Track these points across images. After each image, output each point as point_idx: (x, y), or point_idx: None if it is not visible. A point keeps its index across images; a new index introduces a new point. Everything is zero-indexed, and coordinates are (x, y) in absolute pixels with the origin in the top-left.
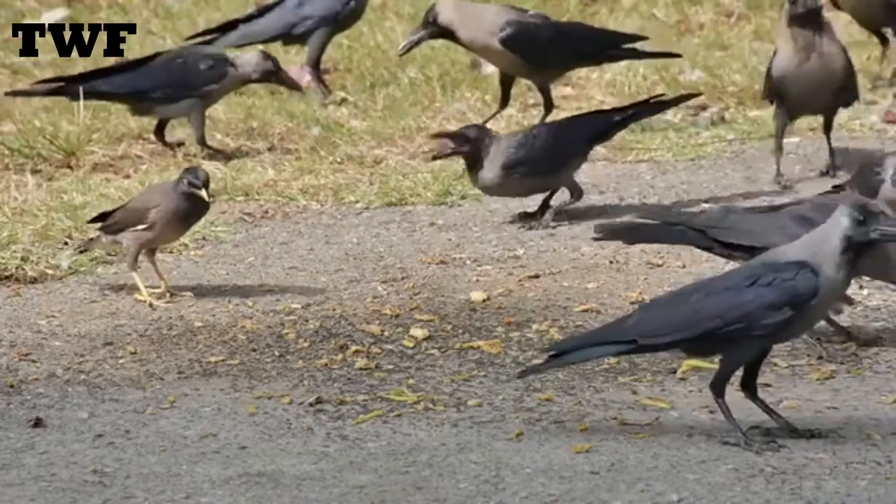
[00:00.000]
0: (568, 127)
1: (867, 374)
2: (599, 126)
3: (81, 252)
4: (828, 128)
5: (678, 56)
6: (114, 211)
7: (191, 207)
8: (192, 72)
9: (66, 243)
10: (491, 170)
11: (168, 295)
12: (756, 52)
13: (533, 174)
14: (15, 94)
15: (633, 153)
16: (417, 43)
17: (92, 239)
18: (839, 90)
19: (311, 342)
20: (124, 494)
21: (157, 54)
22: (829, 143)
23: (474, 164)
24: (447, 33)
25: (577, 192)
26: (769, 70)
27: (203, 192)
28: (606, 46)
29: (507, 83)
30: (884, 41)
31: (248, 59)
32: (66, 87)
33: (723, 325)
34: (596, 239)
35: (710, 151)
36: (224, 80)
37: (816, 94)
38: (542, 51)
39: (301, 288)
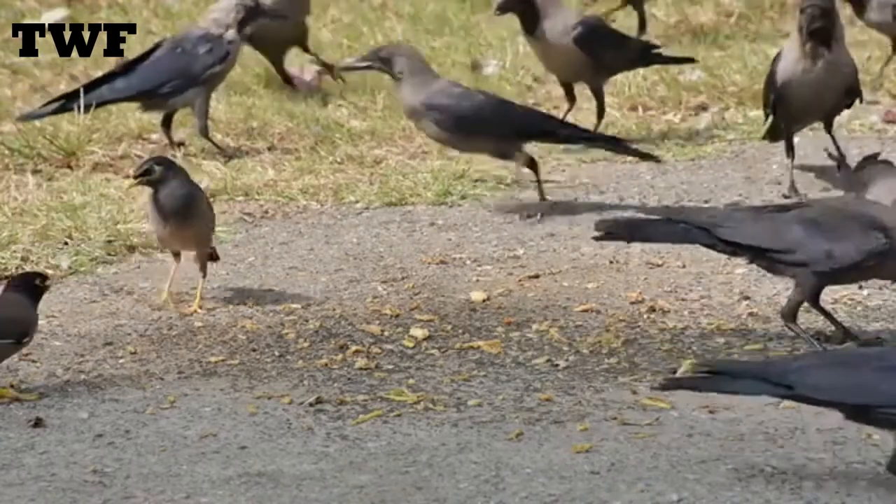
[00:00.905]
0: (507, 109)
1: None
2: (533, 125)
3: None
4: (829, 126)
5: (693, 61)
6: None
7: (157, 200)
8: (194, 58)
9: (66, 243)
10: (413, 98)
11: (198, 308)
12: (756, 53)
13: (444, 127)
14: (24, 118)
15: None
16: (506, 10)
17: None
18: (844, 93)
19: (311, 342)
20: (124, 494)
21: (154, 48)
22: (834, 140)
23: (397, 83)
24: (531, 18)
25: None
26: (772, 75)
27: (133, 181)
28: (643, 51)
29: (568, 85)
30: None
31: (222, 8)
32: (69, 102)
33: (887, 404)
34: (596, 238)
35: (710, 151)
36: (228, 59)
37: (822, 98)
38: (605, 51)
39: (301, 288)
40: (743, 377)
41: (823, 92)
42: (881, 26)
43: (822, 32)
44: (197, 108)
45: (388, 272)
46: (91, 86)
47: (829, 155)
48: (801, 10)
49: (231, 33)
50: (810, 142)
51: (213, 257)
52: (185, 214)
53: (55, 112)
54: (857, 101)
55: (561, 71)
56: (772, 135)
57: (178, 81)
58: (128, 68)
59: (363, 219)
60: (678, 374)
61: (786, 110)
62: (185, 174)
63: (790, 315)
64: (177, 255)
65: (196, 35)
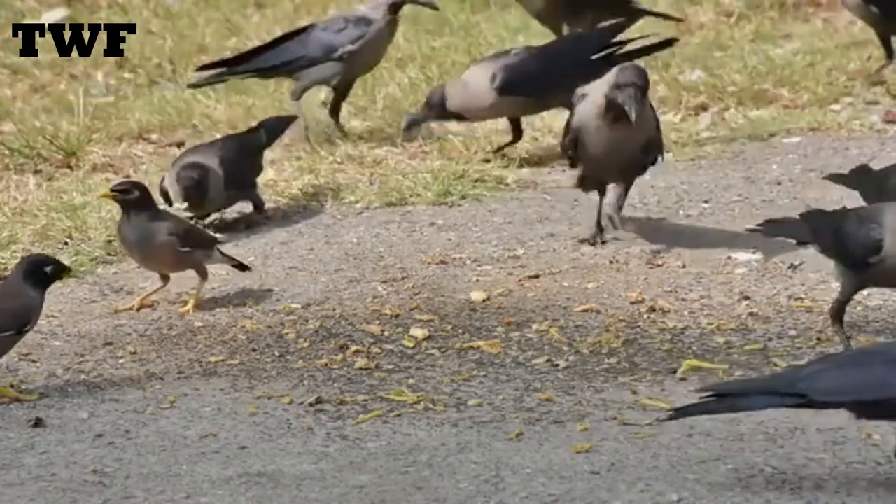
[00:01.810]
0: (247, 140)
1: None
2: (260, 143)
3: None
4: (628, 184)
5: (675, 41)
6: None
7: (121, 223)
8: (334, 36)
9: (66, 243)
10: (217, 196)
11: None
12: (756, 53)
13: (228, 186)
14: (193, 86)
15: None
16: (422, 122)
17: None
18: (642, 151)
19: (311, 342)
20: (124, 494)
21: (308, 26)
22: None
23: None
24: (456, 116)
25: (260, 206)
26: (571, 117)
27: (108, 193)
28: (603, 51)
29: (515, 119)
30: (890, 54)
31: None
32: (228, 70)
33: None
34: (753, 230)
35: (710, 151)
36: (363, 39)
37: (617, 156)
38: (538, 84)
39: (301, 288)
40: (750, 395)
41: (616, 151)
42: (856, 10)
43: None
44: (329, 83)
45: (388, 272)
46: (245, 57)
47: (610, 219)
48: (618, 86)
49: (375, 12)
50: (810, 141)
51: (241, 267)
52: (145, 248)
53: (215, 79)
54: (660, 160)
55: (517, 114)
56: (582, 183)
57: (314, 56)
58: (278, 42)
59: (363, 219)
60: (685, 406)
61: (581, 155)
62: (154, 207)
63: (835, 315)
64: (162, 274)
65: (343, 16)
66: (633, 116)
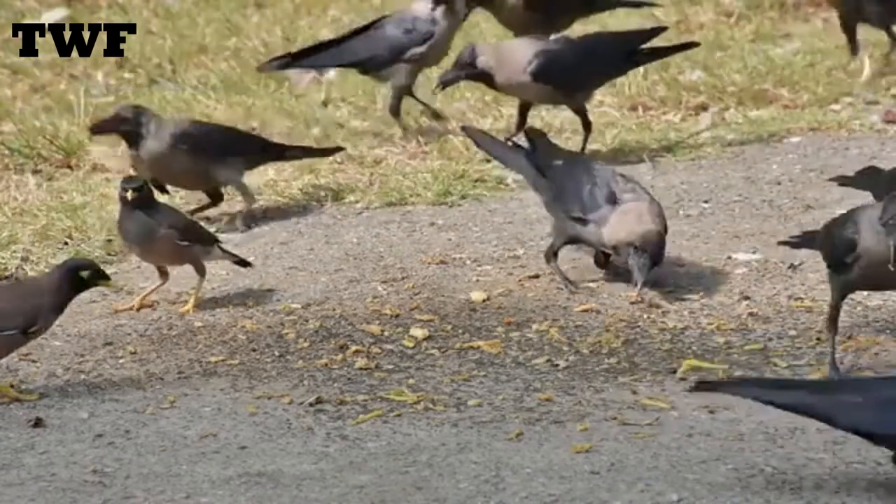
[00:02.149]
0: (228, 134)
1: (867, 374)
2: (253, 147)
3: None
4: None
5: (696, 45)
6: None
7: (121, 217)
8: (400, 37)
9: (66, 243)
10: (157, 143)
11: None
12: (756, 52)
13: (195, 154)
14: (266, 69)
15: (632, 153)
16: (454, 81)
17: None
18: None
19: (311, 342)
20: (124, 494)
21: (377, 20)
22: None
23: (135, 141)
24: (484, 76)
25: (249, 197)
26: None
27: (128, 194)
28: (630, 52)
29: (525, 109)
30: (854, 50)
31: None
32: (293, 62)
33: None
34: (784, 242)
35: (710, 151)
36: (431, 40)
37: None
38: (572, 76)
39: (301, 288)
40: (784, 389)
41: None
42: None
43: None
44: (394, 84)
45: (388, 272)
46: (311, 50)
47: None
48: (636, 248)
49: (433, 11)
50: (810, 141)
51: (243, 263)
52: (144, 241)
53: (281, 67)
54: None
55: (541, 101)
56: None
57: (382, 58)
58: (347, 38)
59: (363, 219)
60: (713, 381)
61: None
62: (155, 201)
63: (829, 321)
64: (161, 269)
65: (408, 15)
66: (638, 286)
